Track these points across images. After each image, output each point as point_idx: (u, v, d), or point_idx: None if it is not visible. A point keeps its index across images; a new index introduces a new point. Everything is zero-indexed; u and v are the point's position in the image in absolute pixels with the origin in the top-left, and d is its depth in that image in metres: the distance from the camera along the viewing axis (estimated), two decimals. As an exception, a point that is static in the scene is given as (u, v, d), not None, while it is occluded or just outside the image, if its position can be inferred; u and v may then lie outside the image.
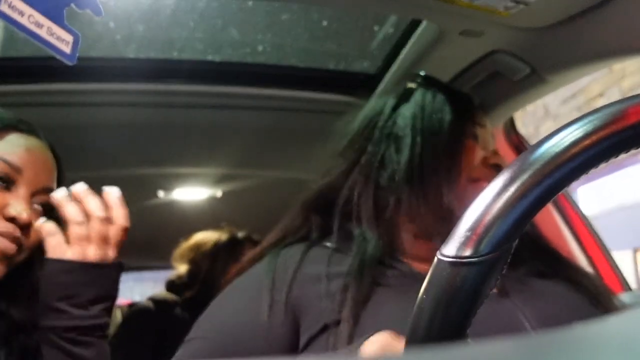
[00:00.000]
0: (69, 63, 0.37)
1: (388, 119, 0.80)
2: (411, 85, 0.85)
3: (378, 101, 0.85)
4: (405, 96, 0.82)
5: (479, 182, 0.76)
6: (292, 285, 0.70)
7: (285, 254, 0.76)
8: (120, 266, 0.74)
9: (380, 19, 1.22)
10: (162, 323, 1.67)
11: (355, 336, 0.62)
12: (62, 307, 0.68)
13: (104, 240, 0.72)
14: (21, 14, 0.33)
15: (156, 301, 1.77)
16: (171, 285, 1.83)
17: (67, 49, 0.37)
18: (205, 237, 1.83)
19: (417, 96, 0.81)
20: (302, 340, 0.68)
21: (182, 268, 1.80)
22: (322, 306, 0.67)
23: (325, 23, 1.30)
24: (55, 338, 0.68)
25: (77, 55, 0.38)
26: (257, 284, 0.72)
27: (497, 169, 0.77)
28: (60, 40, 0.36)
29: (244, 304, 0.72)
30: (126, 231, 0.74)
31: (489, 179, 0.74)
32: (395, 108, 0.81)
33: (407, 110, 0.80)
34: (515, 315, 0.67)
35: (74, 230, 0.71)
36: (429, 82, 0.85)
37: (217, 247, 1.78)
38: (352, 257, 0.71)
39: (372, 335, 0.52)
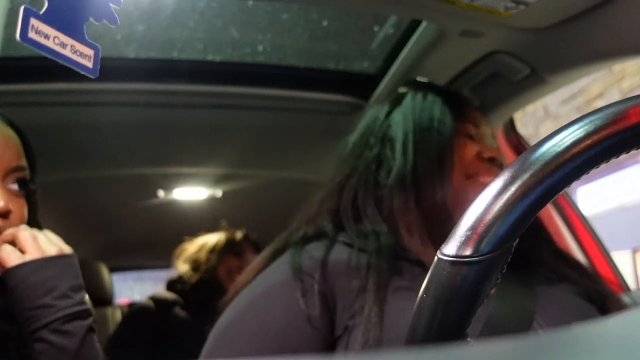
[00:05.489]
0: (92, 76, 0.39)
1: (382, 123, 0.83)
2: (403, 89, 0.88)
3: (375, 109, 0.89)
4: (397, 100, 0.86)
5: (475, 177, 0.77)
6: (324, 274, 0.69)
7: (307, 248, 0.74)
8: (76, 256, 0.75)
9: (380, 19, 1.22)
10: (162, 322, 1.68)
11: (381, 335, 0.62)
12: (48, 302, 0.68)
13: (51, 238, 0.73)
14: (47, 37, 0.34)
15: (156, 300, 1.77)
16: (171, 285, 1.84)
17: (89, 64, 0.39)
18: (206, 238, 1.87)
19: (408, 99, 0.84)
20: (337, 333, 0.67)
21: (182, 268, 1.81)
22: (350, 300, 0.67)
23: (325, 23, 1.30)
24: (47, 335, 0.67)
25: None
26: (285, 276, 0.71)
27: (493, 162, 0.78)
28: (82, 56, 0.37)
29: (278, 299, 0.70)
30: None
31: (486, 173, 0.76)
32: (389, 113, 0.84)
33: (398, 113, 0.83)
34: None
35: (24, 235, 0.70)
36: (421, 85, 0.88)
37: (217, 247, 1.81)
38: (368, 253, 0.71)
39: None
